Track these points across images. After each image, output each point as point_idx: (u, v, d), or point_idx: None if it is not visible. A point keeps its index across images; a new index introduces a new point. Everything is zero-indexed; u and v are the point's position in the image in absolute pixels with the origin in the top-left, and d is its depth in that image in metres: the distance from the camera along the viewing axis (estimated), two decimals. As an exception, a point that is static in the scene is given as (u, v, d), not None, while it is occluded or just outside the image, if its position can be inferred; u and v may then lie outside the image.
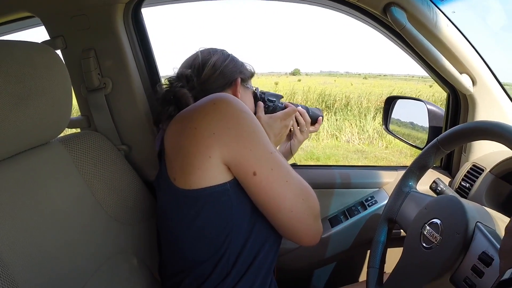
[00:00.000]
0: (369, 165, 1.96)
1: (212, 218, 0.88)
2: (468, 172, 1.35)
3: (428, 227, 0.85)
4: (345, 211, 1.56)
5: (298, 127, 1.31)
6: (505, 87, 1.31)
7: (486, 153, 1.36)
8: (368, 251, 1.12)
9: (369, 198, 1.55)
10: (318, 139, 8.32)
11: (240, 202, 0.89)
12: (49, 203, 0.93)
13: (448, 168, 1.55)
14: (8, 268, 0.76)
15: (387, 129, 1.69)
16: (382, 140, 8.09)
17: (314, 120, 1.35)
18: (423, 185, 1.09)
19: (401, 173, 1.08)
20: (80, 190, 1.05)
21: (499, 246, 0.62)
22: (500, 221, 0.81)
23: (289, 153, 1.33)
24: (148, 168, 1.35)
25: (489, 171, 1.23)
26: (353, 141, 8.33)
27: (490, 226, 0.77)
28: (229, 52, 1.17)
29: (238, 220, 0.89)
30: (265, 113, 1.20)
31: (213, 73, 1.08)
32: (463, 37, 1.21)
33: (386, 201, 1.12)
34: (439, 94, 11.47)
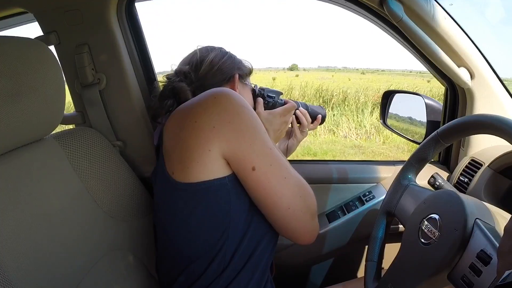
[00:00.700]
0: (366, 160, 1.95)
1: (209, 213, 0.87)
2: (466, 166, 1.34)
3: (426, 222, 0.84)
4: (342, 207, 1.56)
5: (299, 126, 1.31)
6: (504, 83, 1.30)
7: (485, 147, 1.36)
8: (366, 247, 1.11)
9: (367, 193, 1.54)
10: (316, 134, 8.31)
11: (239, 197, 0.88)
12: (43, 200, 0.93)
13: (447, 162, 1.55)
14: (2, 266, 0.76)
15: (384, 123, 1.69)
16: (379, 135, 8.09)
17: (313, 118, 1.35)
18: (421, 179, 1.08)
19: (399, 168, 1.07)
20: (75, 187, 1.04)
21: (497, 245, 0.62)
22: (500, 216, 0.80)
23: (286, 152, 1.34)
24: (144, 164, 1.34)
25: (488, 166, 1.23)
26: (351, 136, 8.33)
27: (489, 222, 0.76)
28: (228, 50, 1.17)
29: (235, 215, 0.89)
30: (264, 109, 1.20)
31: (210, 69, 1.08)
32: (460, 30, 1.20)
33: (384, 196, 1.12)
34: (437, 89, 11.48)
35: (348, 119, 9.14)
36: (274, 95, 1.24)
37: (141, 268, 1.14)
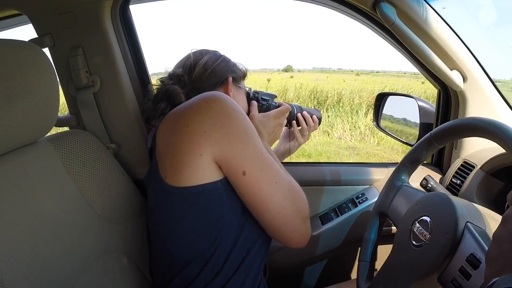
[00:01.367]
0: (359, 162, 1.96)
1: (202, 217, 0.88)
2: (459, 168, 1.35)
3: (418, 224, 0.85)
4: (335, 209, 1.56)
5: (299, 129, 1.32)
6: (497, 84, 1.31)
7: (477, 149, 1.37)
8: (359, 248, 1.12)
9: (360, 195, 1.55)
10: (310, 135, 8.30)
11: (231, 201, 0.89)
12: (37, 203, 0.92)
13: (439, 164, 1.56)
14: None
15: (378, 125, 1.70)
16: (373, 137, 8.11)
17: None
18: (414, 182, 1.09)
19: (391, 170, 1.08)
20: (69, 190, 1.04)
21: (487, 249, 0.62)
22: (491, 219, 0.81)
23: (287, 154, 1.37)
24: (137, 166, 1.34)
25: (480, 168, 1.24)
26: (345, 137, 8.34)
27: (480, 225, 0.77)
28: (222, 53, 1.17)
29: (228, 219, 0.89)
30: (258, 112, 1.20)
31: (204, 72, 1.08)
32: (453, 33, 1.21)
33: (376, 198, 1.12)
34: (431, 91, 11.52)
35: (343, 121, 9.16)
36: (268, 98, 1.24)
37: (135, 270, 1.14)
